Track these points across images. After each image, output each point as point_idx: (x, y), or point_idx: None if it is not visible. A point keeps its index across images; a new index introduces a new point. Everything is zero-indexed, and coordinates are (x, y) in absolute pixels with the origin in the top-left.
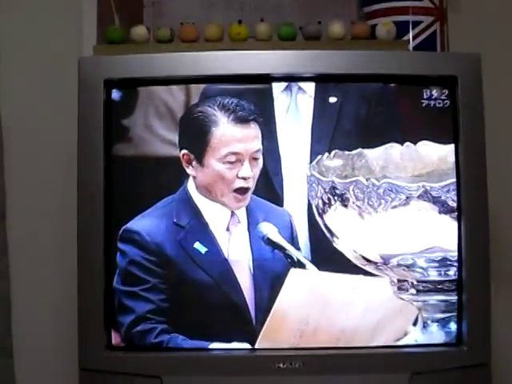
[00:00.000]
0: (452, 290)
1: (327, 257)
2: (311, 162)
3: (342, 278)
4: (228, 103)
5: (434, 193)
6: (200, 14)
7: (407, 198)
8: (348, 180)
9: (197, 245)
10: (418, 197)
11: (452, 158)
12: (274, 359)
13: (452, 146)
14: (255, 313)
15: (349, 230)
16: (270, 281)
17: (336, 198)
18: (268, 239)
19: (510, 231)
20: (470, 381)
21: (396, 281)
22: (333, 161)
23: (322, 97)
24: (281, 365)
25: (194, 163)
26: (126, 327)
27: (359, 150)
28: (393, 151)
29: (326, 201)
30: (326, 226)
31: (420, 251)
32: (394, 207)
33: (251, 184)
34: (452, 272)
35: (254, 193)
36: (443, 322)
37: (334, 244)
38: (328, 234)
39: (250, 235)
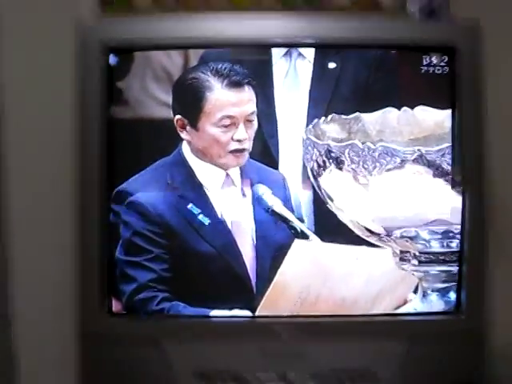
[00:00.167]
0: (453, 261)
1: (329, 227)
2: (307, 125)
3: (345, 249)
4: (221, 68)
5: (429, 156)
6: None
7: (402, 161)
8: (344, 143)
9: (201, 216)
10: (413, 160)
11: (449, 123)
12: (273, 325)
13: (449, 111)
14: (256, 282)
15: (343, 193)
16: (272, 250)
17: (331, 160)
18: (272, 210)
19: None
20: (468, 348)
21: (398, 252)
22: (329, 124)
23: (322, 62)
24: (279, 331)
25: (188, 128)
26: (128, 295)
27: (356, 114)
28: (390, 116)
29: (321, 164)
30: (320, 188)
31: (424, 224)
32: (389, 170)
33: (247, 145)
34: (454, 244)
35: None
36: (443, 292)
37: (336, 215)
38: (322, 196)
39: (253, 204)
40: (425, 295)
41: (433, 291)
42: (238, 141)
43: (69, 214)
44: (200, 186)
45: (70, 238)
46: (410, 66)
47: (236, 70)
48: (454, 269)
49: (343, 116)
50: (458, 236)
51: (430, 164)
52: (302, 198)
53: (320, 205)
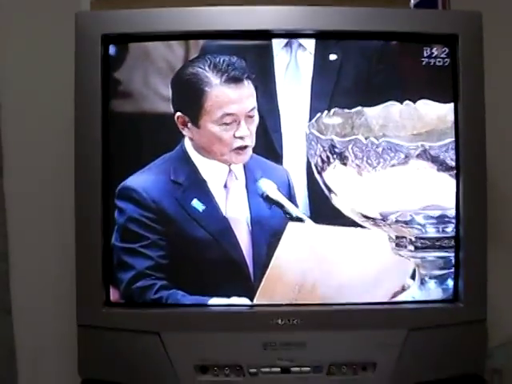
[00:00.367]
0: (450, 246)
1: (326, 213)
2: (310, 119)
3: (339, 231)
4: (220, 62)
5: (432, 152)
6: None
7: (406, 156)
8: (347, 138)
9: (194, 202)
10: (417, 156)
11: (451, 117)
12: (272, 315)
13: (451, 105)
14: (253, 268)
15: (348, 188)
16: (268, 236)
17: (335, 156)
18: (267, 196)
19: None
20: (466, 337)
21: (394, 237)
22: (332, 119)
23: (323, 54)
24: (279, 321)
25: (189, 125)
26: (125, 284)
27: (359, 108)
28: (392, 110)
29: (325, 159)
30: (325, 183)
31: (419, 208)
32: (393, 166)
33: (249, 141)
34: (450, 229)
35: (253, 150)
36: (440, 279)
37: (332, 201)
38: (327, 192)
39: (247, 192)
40: (423, 283)
41: (430, 278)
42: (241, 138)
43: (67, 209)
44: (200, 177)
45: (69, 230)
46: (411, 57)
47: (234, 65)
48: (451, 255)
49: (346, 110)
50: (454, 221)
51: (433, 159)
52: (302, 187)
53: (315, 190)
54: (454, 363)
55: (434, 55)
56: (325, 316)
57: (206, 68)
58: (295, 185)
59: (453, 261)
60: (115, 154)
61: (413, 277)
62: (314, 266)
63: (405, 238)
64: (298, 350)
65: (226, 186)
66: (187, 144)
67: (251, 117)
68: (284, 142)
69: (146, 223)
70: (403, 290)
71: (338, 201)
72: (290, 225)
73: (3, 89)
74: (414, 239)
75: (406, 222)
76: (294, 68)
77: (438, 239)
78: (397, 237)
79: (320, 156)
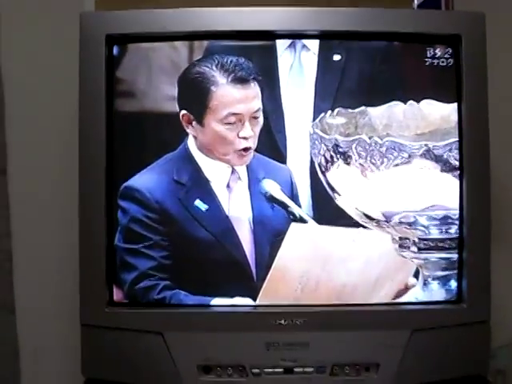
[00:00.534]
0: (453, 248)
1: (329, 213)
2: (314, 119)
3: (342, 231)
4: (227, 62)
5: (436, 151)
6: None
7: (409, 156)
8: (351, 138)
9: (197, 202)
10: (421, 155)
11: (455, 117)
12: (275, 316)
13: (455, 104)
14: (256, 268)
15: (351, 188)
16: (270, 236)
17: (339, 155)
18: (270, 196)
19: None
20: (470, 338)
21: (398, 238)
22: (336, 119)
23: (326, 54)
24: (282, 321)
25: (193, 123)
26: (129, 284)
27: (362, 108)
28: (396, 109)
29: (329, 158)
30: (328, 183)
31: (422, 209)
32: (397, 165)
33: (253, 142)
34: (453, 230)
35: (256, 150)
36: (444, 280)
37: (336, 201)
38: (330, 192)
39: (250, 192)
40: (426, 284)
41: (433, 279)
42: (244, 138)
43: (71, 209)
44: (203, 177)
45: (72, 230)
46: (414, 57)
47: (241, 65)
48: (455, 256)
49: (349, 110)
50: (457, 222)
51: (437, 159)
52: (305, 187)
53: (318, 190)
54: (458, 364)
55: (437, 55)
56: (328, 316)
57: (214, 67)
58: (298, 185)
59: (456, 262)
60: (119, 153)
61: (416, 278)
62: (317, 267)
63: (408, 239)
64: (301, 350)
65: (228, 186)
66: (190, 144)
67: (256, 118)
68: (288, 142)
69: (148, 224)
70: (406, 290)
71: (341, 201)
72: (293, 225)
73: (7, 89)
74: (417, 240)
75: (409, 224)
76: (298, 68)
77: (441, 240)
78: (400, 238)
79: (324, 155)
